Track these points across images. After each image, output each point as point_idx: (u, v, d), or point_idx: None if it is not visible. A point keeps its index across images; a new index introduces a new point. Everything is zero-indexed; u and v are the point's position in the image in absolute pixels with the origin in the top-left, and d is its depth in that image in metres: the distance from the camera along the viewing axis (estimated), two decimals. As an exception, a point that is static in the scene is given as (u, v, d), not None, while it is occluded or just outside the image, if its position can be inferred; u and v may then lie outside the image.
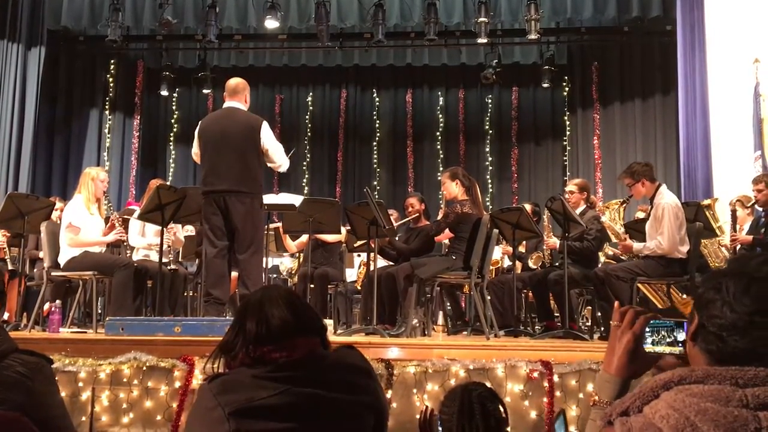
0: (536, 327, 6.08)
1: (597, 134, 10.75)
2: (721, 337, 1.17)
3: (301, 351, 1.66)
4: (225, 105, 5.12)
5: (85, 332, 5.20)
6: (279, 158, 5.03)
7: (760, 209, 5.89)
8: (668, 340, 1.40)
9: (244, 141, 4.87)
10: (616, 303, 1.51)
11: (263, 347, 1.65)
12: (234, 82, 5.13)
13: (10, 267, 6.32)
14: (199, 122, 5.17)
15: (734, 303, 1.15)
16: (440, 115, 11.72)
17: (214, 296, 4.81)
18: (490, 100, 11.65)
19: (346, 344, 1.80)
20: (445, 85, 11.79)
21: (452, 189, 5.45)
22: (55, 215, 6.11)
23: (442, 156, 11.56)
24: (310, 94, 11.89)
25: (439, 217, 5.82)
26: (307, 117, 11.80)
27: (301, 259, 6.98)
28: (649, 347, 1.42)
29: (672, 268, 4.88)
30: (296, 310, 1.71)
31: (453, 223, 5.34)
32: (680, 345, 1.37)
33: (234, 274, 5.24)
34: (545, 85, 10.84)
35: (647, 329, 1.42)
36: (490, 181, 11.38)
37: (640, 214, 6.71)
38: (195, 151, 5.11)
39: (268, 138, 4.95)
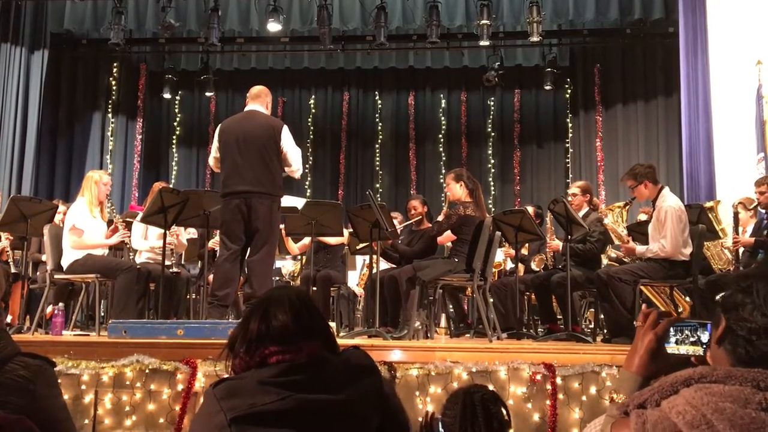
0: (539, 329, 6.07)
1: (599, 136, 10.74)
2: (751, 341, 1.17)
3: (306, 355, 1.66)
4: (246, 108, 5.16)
5: (88, 335, 5.21)
6: (296, 163, 5.06)
7: (763, 211, 5.88)
8: (691, 339, 1.42)
9: (266, 142, 4.90)
10: (644, 306, 1.54)
11: (264, 348, 1.65)
12: (257, 87, 5.22)
13: (13, 270, 6.32)
14: (219, 125, 5.19)
15: (765, 307, 1.15)
16: (442, 118, 11.73)
17: (218, 298, 4.82)
18: (492, 103, 11.66)
19: (353, 345, 1.80)
20: (447, 88, 11.80)
21: (456, 190, 5.45)
22: (57, 218, 6.12)
23: (444, 158, 11.57)
24: (313, 96, 11.91)
25: (440, 218, 5.81)
26: (309, 120, 11.83)
27: (304, 262, 6.98)
28: (672, 347, 1.44)
29: (675, 271, 4.87)
30: (299, 315, 1.70)
31: (455, 224, 5.33)
32: (703, 346, 1.38)
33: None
34: (547, 88, 10.84)
35: (671, 330, 1.44)
36: (492, 183, 11.38)
37: (642, 216, 6.70)
38: (214, 155, 5.09)
39: (288, 141, 4.98)
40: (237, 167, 4.88)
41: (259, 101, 5.10)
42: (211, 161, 5.21)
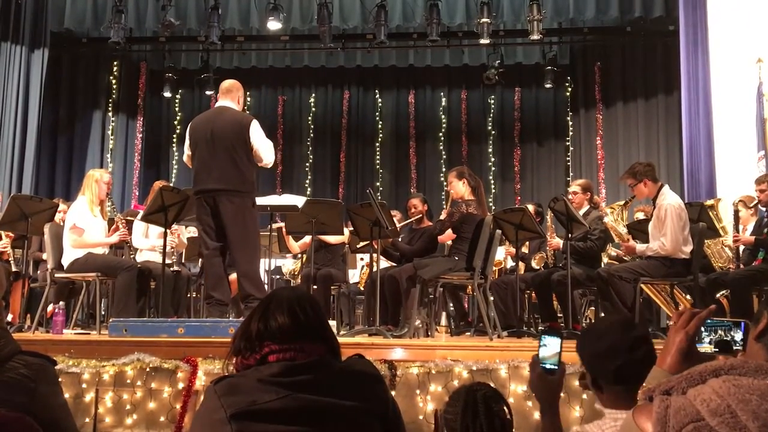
0: (539, 327, 6.07)
1: (600, 134, 10.74)
2: None
3: (308, 355, 1.66)
4: (217, 104, 5.11)
5: (89, 333, 5.21)
6: (267, 157, 4.95)
7: (764, 209, 5.88)
8: (725, 339, 1.43)
9: (235, 139, 4.81)
10: (681, 306, 1.56)
11: (264, 347, 1.66)
12: (228, 82, 5.12)
13: (13, 269, 6.33)
14: (191, 122, 5.15)
15: None
16: (443, 116, 11.73)
17: (215, 298, 4.80)
18: (492, 101, 11.65)
19: (356, 353, 1.80)
20: (447, 86, 11.80)
21: (459, 188, 5.45)
22: (58, 217, 6.12)
23: (444, 157, 11.57)
24: (313, 95, 11.90)
25: (442, 217, 5.81)
26: (309, 118, 11.82)
27: (304, 260, 6.98)
28: (706, 347, 1.47)
29: (675, 269, 4.87)
30: (296, 316, 1.70)
31: (457, 222, 5.33)
32: (737, 344, 1.40)
33: (232, 275, 5.23)
34: (548, 86, 10.84)
35: (704, 329, 1.45)
36: (492, 181, 11.37)
37: (640, 215, 6.69)
38: (187, 153, 5.04)
39: (257, 136, 4.88)
40: (205, 165, 4.84)
41: (229, 96, 5.02)
42: (184, 158, 5.16)
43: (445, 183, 10.77)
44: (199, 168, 4.90)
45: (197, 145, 4.91)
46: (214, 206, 4.79)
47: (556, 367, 2.03)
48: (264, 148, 4.92)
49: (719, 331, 1.46)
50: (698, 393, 1.12)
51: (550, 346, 2.04)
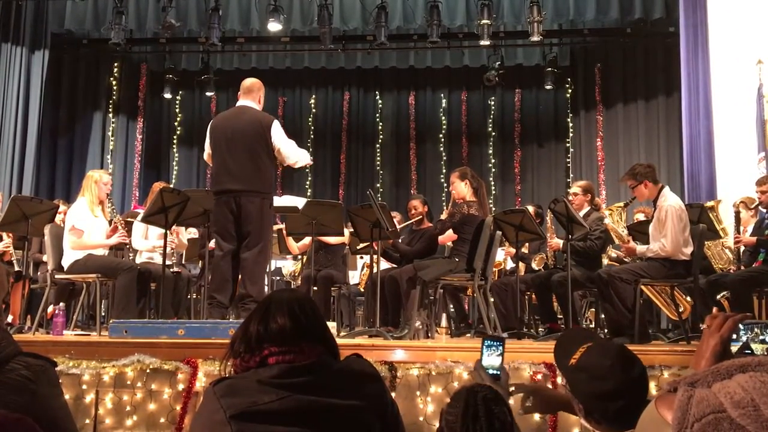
0: (539, 329, 6.07)
1: (600, 136, 10.74)
2: None
3: (307, 357, 1.66)
4: (238, 104, 5.07)
5: (89, 335, 5.21)
6: (292, 155, 4.93)
7: (764, 210, 5.88)
8: (761, 338, 1.44)
9: (255, 140, 4.81)
10: (715, 309, 1.57)
11: (264, 349, 1.66)
12: (249, 81, 5.08)
13: (16, 268, 6.33)
14: (211, 120, 5.15)
15: None
16: (443, 117, 11.73)
17: (217, 299, 4.80)
18: (492, 102, 11.66)
19: (354, 353, 1.80)
20: (447, 87, 11.81)
21: (461, 189, 5.45)
22: (58, 218, 6.12)
23: (445, 158, 11.57)
24: (313, 96, 11.91)
25: (443, 217, 5.81)
26: (309, 119, 11.83)
27: (304, 262, 6.99)
28: (740, 344, 1.47)
29: (676, 270, 4.86)
30: (297, 318, 1.71)
31: (458, 223, 5.34)
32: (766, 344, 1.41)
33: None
34: (548, 87, 10.86)
35: (741, 329, 1.45)
36: (493, 182, 11.38)
37: (640, 216, 6.70)
38: (207, 151, 5.04)
39: (278, 136, 4.87)
40: (226, 165, 4.83)
41: (250, 97, 5.00)
42: (205, 156, 5.18)
43: (445, 184, 10.79)
44: (218, 168, 4.89)
45: (217, 145, 4.90)
46: (236, 208, 4.77)
47: (499, 373, 2.04)
48: (287, 148, 4.91)
49: (755, 329, 1.47)
50: (723, 386, 1.12)
51: (494, 353, 2.05)
